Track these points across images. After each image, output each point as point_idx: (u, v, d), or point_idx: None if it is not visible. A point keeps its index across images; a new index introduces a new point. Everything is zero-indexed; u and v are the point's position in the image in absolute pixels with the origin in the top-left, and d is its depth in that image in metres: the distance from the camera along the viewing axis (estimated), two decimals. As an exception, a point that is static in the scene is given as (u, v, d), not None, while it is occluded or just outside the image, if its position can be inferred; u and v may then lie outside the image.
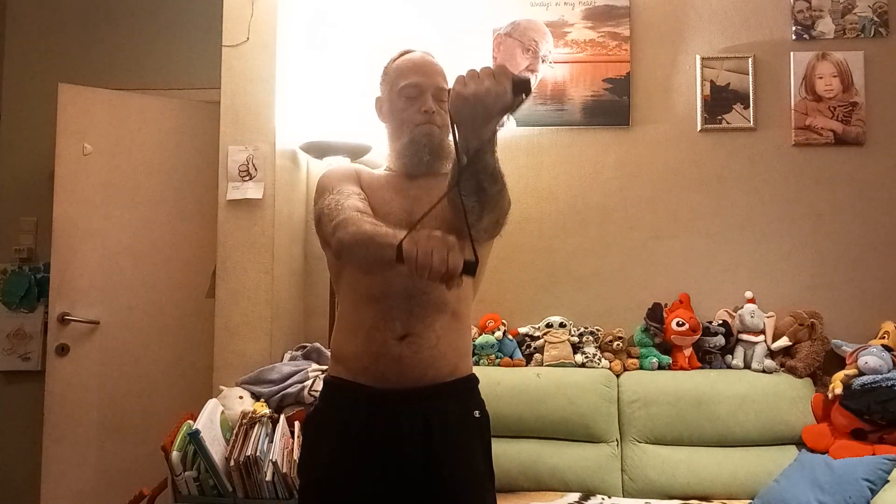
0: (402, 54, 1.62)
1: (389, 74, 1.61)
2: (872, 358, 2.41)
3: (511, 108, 1.15)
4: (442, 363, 1.47)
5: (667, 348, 2.70)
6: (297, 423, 2.24)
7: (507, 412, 2.51)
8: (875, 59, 2.78)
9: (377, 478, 1.43)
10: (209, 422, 2.16)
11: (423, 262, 1.13)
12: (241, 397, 2.36)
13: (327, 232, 1.45)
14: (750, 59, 2.82)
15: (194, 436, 2.05)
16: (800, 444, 2.46)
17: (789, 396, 2.51)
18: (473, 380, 1.57)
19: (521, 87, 1.11)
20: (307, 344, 2.70)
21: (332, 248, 1.45)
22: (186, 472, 2.09)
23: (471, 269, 1.13)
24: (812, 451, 2.39)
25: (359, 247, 1.37)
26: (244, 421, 2.22)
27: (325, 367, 2.40)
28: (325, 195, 1.51)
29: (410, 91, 1.53)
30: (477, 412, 1.53)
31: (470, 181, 1.32)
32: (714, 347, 2.66)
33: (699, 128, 2.84)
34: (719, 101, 2.83)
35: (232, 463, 2.08)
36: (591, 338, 2.72)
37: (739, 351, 2.65)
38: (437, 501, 1.44)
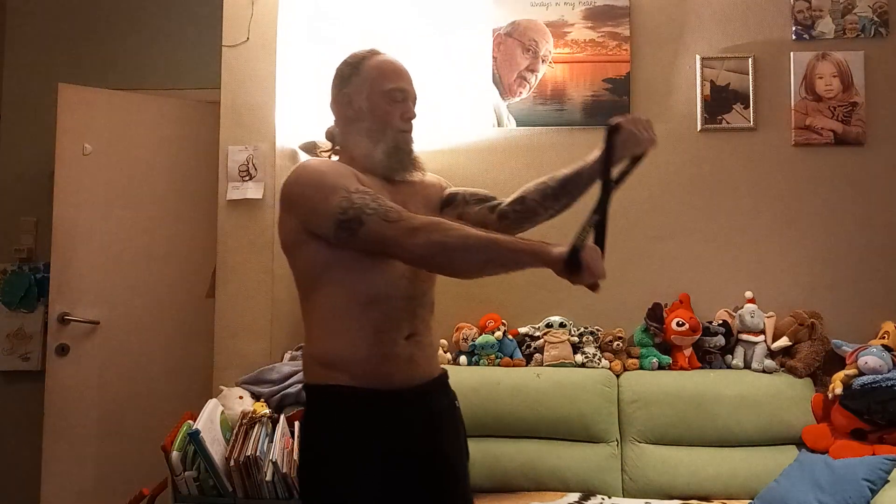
0: (374, 54, 1.58)
1: (367, 72, 1.55)
2: (872, 358, 2.41)
3: (639, 157, 1.54)
4: (434, 360, 1.61)
5: (667, 348, 2.70)
6: (296, 423, 2.24)
7: (507, 412, 2.52)
8: (875, 59, 2.78)
9: (410, 483, 1.46)
10: (209, 422, 2.16)
11: (596, 268, 1.25)
12: (241, 397, 2.36)
13: (391, 232, 1.34)
14: (750, 59, 2.82)
15: (194, 436, 2.05)
16: (800, 444, 2.46)
17: (789, 396, 2.51)
18: (447, 372, 1.67)
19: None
20: (307, 344, 2.70)
21: (417, 249, 1.33)
22: (186, 472, 2.09)
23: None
24: (812, 451, 2.39)
25: (472, 251, 1.32)
26: (244, 421, 2.22)
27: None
28: (338, 192, 1.39)
29: (398, 95, 1.55)
30: (456, 401, 1.65)
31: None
32: (714, 347, 2.66)
33: (699, 128, 2.84)
34: (719, 101, 2.83)
35: (232, 463, 2.08)
36: (591, 338, 2.72)
37: (739, 351, 2.65)
38: (443, 482, 1.52)
